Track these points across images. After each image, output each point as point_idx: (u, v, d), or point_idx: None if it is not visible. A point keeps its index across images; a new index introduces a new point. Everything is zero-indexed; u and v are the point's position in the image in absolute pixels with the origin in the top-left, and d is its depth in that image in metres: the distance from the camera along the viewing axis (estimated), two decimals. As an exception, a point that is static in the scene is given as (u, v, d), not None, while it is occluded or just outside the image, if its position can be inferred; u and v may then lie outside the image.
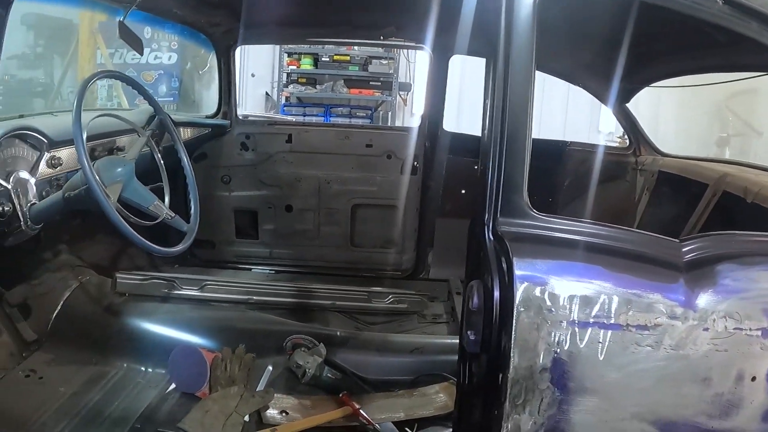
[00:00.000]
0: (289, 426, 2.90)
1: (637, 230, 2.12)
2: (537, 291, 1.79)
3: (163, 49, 8.82)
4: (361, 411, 2.97)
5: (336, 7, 4.19)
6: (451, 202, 4.89)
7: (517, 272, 1.80)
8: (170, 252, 3.13)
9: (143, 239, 2.87)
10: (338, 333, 3.58)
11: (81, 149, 2.72)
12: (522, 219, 1.96)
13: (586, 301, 1.79)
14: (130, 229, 2.81)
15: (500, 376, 1.79)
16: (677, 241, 2.01)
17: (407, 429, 2.96)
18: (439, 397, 3.19)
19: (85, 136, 2.78)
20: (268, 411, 3.02)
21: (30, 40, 8.18)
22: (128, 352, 3.54)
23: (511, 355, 1.76)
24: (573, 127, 9.67)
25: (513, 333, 1.76)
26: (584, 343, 1.78)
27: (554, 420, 1.80)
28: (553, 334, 1.78)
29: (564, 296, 1.79)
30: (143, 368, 3.47)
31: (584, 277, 1.84)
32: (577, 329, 1.78)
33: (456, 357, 3.35)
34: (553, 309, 1.78)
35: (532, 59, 2.00)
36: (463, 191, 4.85)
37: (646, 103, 4.74)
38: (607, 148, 5.45)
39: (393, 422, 2.97)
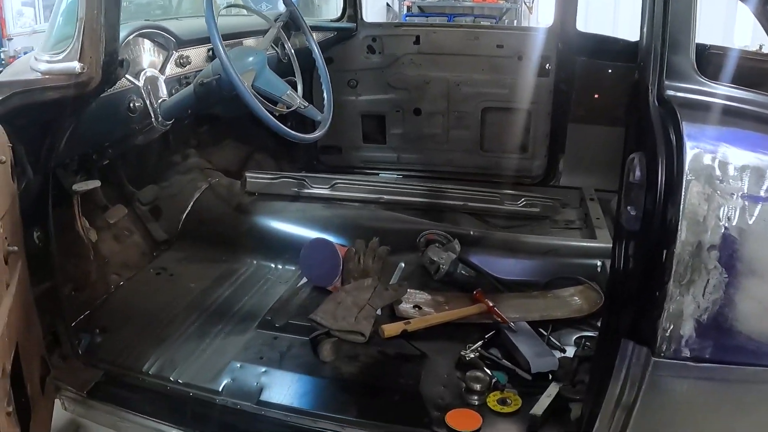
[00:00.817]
0: (423, 320, 2.86)
1: None
2: (707, 159, 1.63)
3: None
4: (495, 309, 2.90)
5: None
6: (583, 107, 4.67)
7: (688, 142, 1.65)
8: (306, 138, 3.08)
9: (279, 123, 2.83)
10: (471, 232, 3.51)
11: (214, 31, 2.67)
12: (689, 83, 1.80)
13: (760, 174, 1.63)
14: (266, 112, 2.77)
15: (665, 252, 1.66)
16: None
17: (541, 329, 2.87)
18: (574, 300, 3.09)
19: (217, 21, 2.73)
20: (401, 305, 2.99)
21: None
22: (258, 250, 3.59)
23: (679, 228, 1.63)
24: (705, 35, 9.26)
25: (682, 204, 1.62)
26: (754, 219, 1.63)
27: (719, 305, 1.67)
28: (723, 208, 1.63)
29: (736, 166, 1.63)
30: (273, 265, 3.52)
31: (758, 147, 1.68)
32: (747, 203, 1.63)
33: (590, 261, 3.29)
34: (723, 180, 1.62)
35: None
36: (597, 96, 4.65)
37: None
38: (749, 53, 5.15)
39: (527, 322, 2.89)
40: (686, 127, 1.66)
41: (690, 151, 1.63)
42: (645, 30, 1.86)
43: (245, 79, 2.78)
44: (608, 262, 2.44)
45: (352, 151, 5.12)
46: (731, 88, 1.86)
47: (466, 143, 4.92)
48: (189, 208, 3.77)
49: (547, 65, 4.61)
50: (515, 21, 9.90)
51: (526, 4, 9.85)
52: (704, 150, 1.64)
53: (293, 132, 2.93)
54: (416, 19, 9.83)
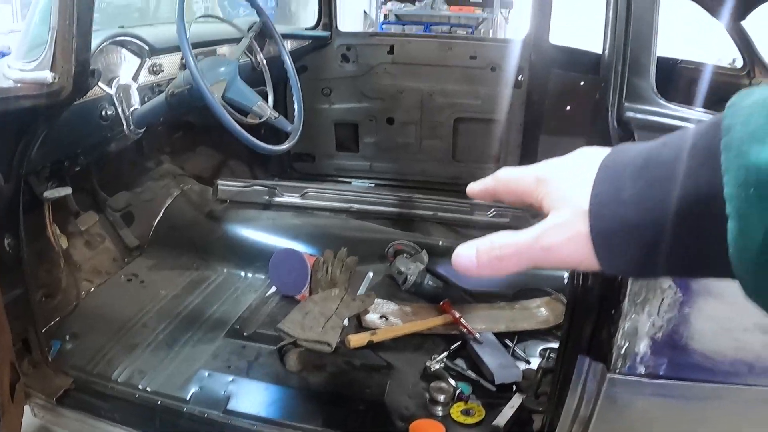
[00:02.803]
0: (389, 331, 2.88)
1: None
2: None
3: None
4: (462, 320, 2.93)
5: None
6: (555, 118, 4.73)
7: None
8: (275, 150, 3.10)
9: (248, 135, 2.84)
10: (440, 243, 3.53)
11: (185, 44, 2.70)
12: (648, 105, 1.84)
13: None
14: (236, 124, 2.79)
15: (621, 291, 1.70)
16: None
17: (507, 341, 2.91)
18: (540, 311, 3.12)
19: (189, 35, 2.75)
20: (368, 315, 3.01)
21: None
22: (229, 258, 3.61)
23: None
24: (681, 48, 9.33)
25: (637, 224, 1.66)
26: (709, 240, 1.67)
27: (674, 323, 1.71)
28: (678, 229, 1.66)
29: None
30: (243, 273, 3.53)
31: None
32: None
33: (557, 272, 3.32)
34: (679, 201, 1.66)
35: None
36: (569, 108, 4.70)
37: (757, 21, 4.48)
38: (720, 68, 5.22)
39: (493, 333, 2.92)
40: None
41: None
42: (606, 51, 1.90)
43: (216, 90, 2.80)
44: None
45: (325, 159, 5.14)
46: (690, 109, 1.90)
47: (439, 153, 4.96)
48: (161, 215, 3.78)
49: (520, 77, 4.66)
50: (491, 31, 9.93)
51: (502, 14, 9.89)
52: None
53: (262, 143, 2.95)
54: (393, 27, 9.86)
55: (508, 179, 0.75)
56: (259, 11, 3.41)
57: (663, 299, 1.69)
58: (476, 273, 0.69)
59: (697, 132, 0.57)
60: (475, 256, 0.69)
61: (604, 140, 1.86)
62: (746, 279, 0.51)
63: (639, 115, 1.82)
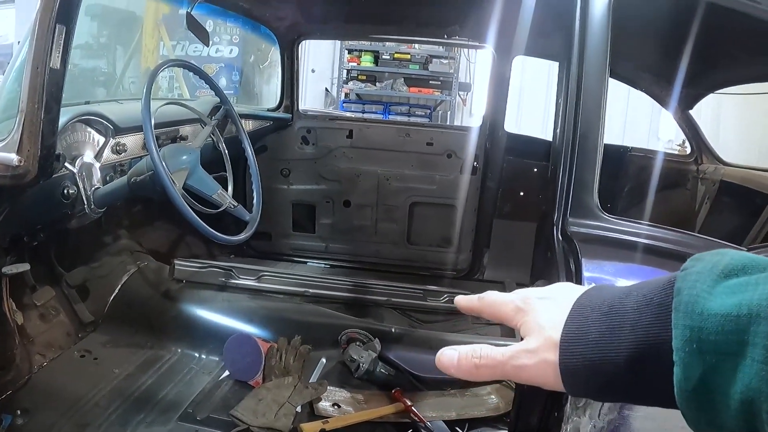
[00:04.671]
0: (341, 419, 2.90)
1: (704, 236, 2.08)
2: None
3: (224, 43, 8.89)
4: (413, 408, 2.97)
5: (401, 3, 4.18)
6: (509, 203, 4.86)
7: (586, 273, 1.77)
8: (232, 240, 3.16)
9: (206, 226, 2.89)
10: (393, 329, 3.56)
11: (149, 134, 2.75)
12: (591, 220, 1.94)
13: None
14: (195, 215, 2.83)
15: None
16: (744, 249, 1.97)
17: (458, 429, 2.94)
18: (491, 399, 3.16)
19: (153, 123, 2.81)
20: (320, 403, 3.03)
21: (94, 30, 8.29)
22: (183, 338, 3.59)
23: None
24: (632, 134, 9.53)
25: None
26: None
27: (614, 424, 1.77)
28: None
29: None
30: (197, 354, 3.51)
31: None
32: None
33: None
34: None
35: (606, 62, 1.99)
36: (522, 193, 4.82)
37: (707, 109, 4.63)
38: (668, 155, 5.38)
39: (444, 421, 2.96)
40: (586, 264, 1.78)
41: (588, 285, 1.74)
42: (554, 168, 1.99)
43: (178, 178, 2.85)
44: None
45: (282, 239, 5.18)
46: (632, 222, 1.99)
47: (394, 236, 5.03)
48: (117, 291, 3.75)
49: (476, 163, 4.78)
50: (449, 112, 10.10)
51: (460, 96, 10.07)
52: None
53: (218, 234, 2.98)
54: (353, 106, 9.98)
55: (493, 303, 0.86)
56: (223, 100, 3.49)
57: (603, 403, 1.75)
58: (454, 374, 0.79)
59: (654, 288, 0.68)
60: (456, 359, 0.79)
61: (547, 254, 1.94)
62: (688, 413, 0.62)
63: (582, 230, 1.91)
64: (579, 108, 1.96)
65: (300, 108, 5.05)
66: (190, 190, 2.97)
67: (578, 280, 1.77)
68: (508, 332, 3.77)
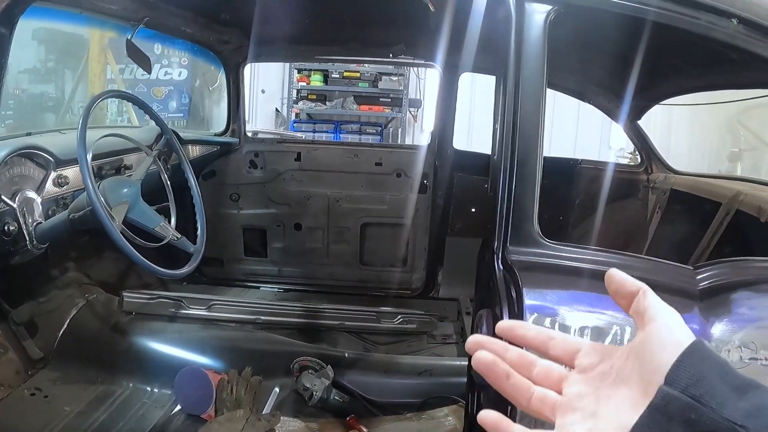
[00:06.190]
0: (296, 450, 2.87)
1: (650, 258, 2.07)
2: (547, 322, 1.73)
3: (173, 65, 8.83)
4: (369, 434, 2.94)
5: (345, 24, 4.17)
6: (461, 220, 4.88)
7: (527, 302, 1.75)
8: (175, 275, 3.11)
9: (148, 262, 2.83)
10: (346, 354, 3.55)
11: (85, 171, 2.69)
12: (532, 247, 1.92)
13: (598, 332, 1.73)
14: (135, 251, 2.77)
15: (509, 407, 1.74)
16: (691, 268, 1.97)
17: (416, 452, 2.92)
18: (448, 420, 3.15)
19: (90, 156, 2.75)
20: (274, 435, 2.99)
21: (41, 55, 8.21)
22: (135, 372, 3.53)
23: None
24: (583, 143, 9.59)
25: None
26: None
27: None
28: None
29: (575, 328, 1.73)
30: (149, 388, 3.46)
31: (596, 307, 1.78)
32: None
33: (465, 379, 3.36)
34: (564, 341, 1.72)
35: (543, 79, 1.97)
36: (473, 210, 4.83)
37: (657, 119, 4.68)
38: (619, 165, 5.42)
39: (401, 446, 2.94)
40: (527, 293, 1.76)
41: (530, 316, 1.73)
42: (493, 194, 1.97)
43: (118, 212, 2.79)
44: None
45: (234, 264, 5.12)
46: (573, 248, 1.97)
47: (346, 257, 5.00)
48: (66, 326, 3.68)
49: (426, 181, 4.77)
50: (400, 129, 10.10)
51: (411, 112, 10.07)
52: (544, 314, 1.74)
53: (160, 269, 2.93)
54: (304, 126, 9.95)
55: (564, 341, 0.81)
56: (164, 129, 3.43)
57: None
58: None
59: None
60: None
61: (489, 283, 1.92)
62: None
63: (522, 258, 1.89)
64: (516, 129, 1.95)
65: (250, 129, 5.02)
66: (132, 223, 2.91)
67: (520, 309, 1.75)
68: (463, 352, 3.76)
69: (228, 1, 3.90)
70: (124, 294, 3.91)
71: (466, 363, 3.55)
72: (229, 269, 5.13)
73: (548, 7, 2.01)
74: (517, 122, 1.95)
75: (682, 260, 2.04)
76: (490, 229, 1.99)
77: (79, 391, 3.38)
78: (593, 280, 1.84)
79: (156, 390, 3.45)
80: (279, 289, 5.03)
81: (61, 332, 3.65)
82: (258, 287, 5.06)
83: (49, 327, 3.63)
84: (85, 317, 3.76)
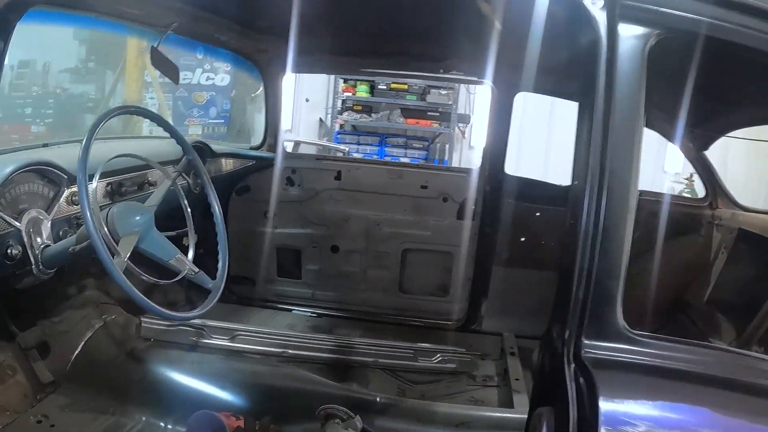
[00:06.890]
0: None
1: (761, 355, 1.70)
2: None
3: (217, 71, 8.67)
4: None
5: (393, 36, 3.94)
6: (509, 250, 4.60)
7: (603, 409, 1.40)
8: (187, 317, 2.84)
9: (152, 304, 2.54)
10: (378, 399, 3.30)
11: (84, 201, 2.38)
12: (614, 342, 1.57)
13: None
14: (137, 292, 2.48)
15: None
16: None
17: None
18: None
19: (96, 181, 2.49)
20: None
21: (82, 55, 8.15)
22: (148, 404, 3.33)
23: None
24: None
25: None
26: None
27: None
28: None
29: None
30: (162, 424, 3.26)
31: (690, 425, 1.44)
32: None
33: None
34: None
35: (641, 116, 1.67)
36: (523, 239, 4.56)
37: (714, 149, 4.41)
38: (681, 198, 5.14)
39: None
40: (604, 400, 1.41)
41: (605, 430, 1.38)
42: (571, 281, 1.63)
43: (126, 244, 2.49)
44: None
45: (266, 284, 4.89)
46: (668, 343, 1.60)
47: (385, 283, 4.76)
48: (79, 349, 3.49)
49: (473, 207, 4.49)
50: (447, 144, 9.87)
51: (459, 128, 9.83)
52: (622, 427, 1.39)
53: (168, 312, 2.66)
54: (348, 137, 9.78)
55: None
56: (185, 149, 3.10)
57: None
58: None
59: None
60: None
61: (554, 379, 1.58)
62: None
63: (601, 354, 1.53)
64: (604, 178, 1.64)
65: (292, 139, 4.82)
66: (144, 254, 2.61)
67: (594, 417, 1.40)
68: (505, 401, 3.52)
69: (262, 7, 3.69)
70: (143, 319, 3.75)
71: (509, 415, 3.28)
72: (261, 289, 4.91)
73: (648, 31, 1.73)
74: (606, 164, 1.64)
75: (749, 308, 1.75)
76: (557, 311, 1.64)
77: (88, 421, 3.19)
78: (690, 386, 1.48)
79: (169, 426, 3.25)
80: (312, 313, 4.80)
81: (74, 355, 3.48)
82: (290, 310, 4.84)
83: (61, 349, 3.46)
84: (101, 340, 3.59)
